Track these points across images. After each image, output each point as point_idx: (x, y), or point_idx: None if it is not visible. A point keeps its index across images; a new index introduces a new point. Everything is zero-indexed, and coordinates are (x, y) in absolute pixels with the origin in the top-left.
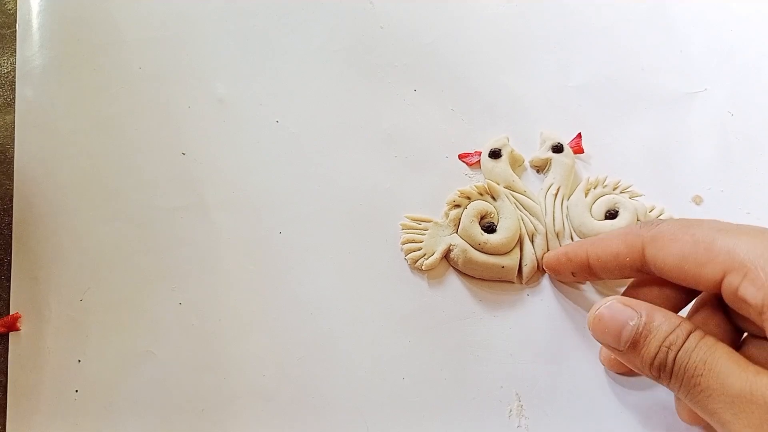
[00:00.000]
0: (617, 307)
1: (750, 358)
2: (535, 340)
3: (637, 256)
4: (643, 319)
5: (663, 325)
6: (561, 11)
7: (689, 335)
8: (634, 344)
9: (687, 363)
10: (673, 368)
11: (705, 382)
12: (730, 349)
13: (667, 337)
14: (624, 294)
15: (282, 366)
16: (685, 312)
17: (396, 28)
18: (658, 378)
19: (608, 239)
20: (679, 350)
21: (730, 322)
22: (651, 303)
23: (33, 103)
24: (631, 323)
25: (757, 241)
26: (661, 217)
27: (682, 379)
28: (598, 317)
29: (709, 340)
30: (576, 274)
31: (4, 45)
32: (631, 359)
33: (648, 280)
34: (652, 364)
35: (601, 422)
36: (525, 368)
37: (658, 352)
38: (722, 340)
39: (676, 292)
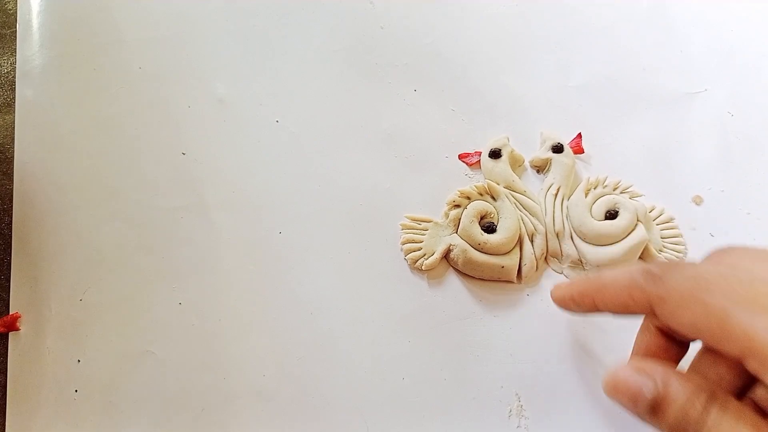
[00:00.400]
0: (630, 375)
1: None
2: (535, 340)
3: (646, 311)
4: (659, 387)
5: (680, 393)
6: (561, 11)
7: (710, 406)
8: (654, 413)
9: None
10: None
11: None
12: (757, 418)
13: (686, 407)
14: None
15: (282, 366)
16: None
17: (396, 28)
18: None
19: (614, 288)
20: (703, 428)
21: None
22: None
23: (33, 103)
24: (646, 392)
25: None
26: (661, 218)
27: None
28: (613, 385)
29: (733, 411)
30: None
31: (4, 45)
32: (654, 425)
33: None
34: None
35: (601, 422)
36: (525, 368)
37: (680, 423)
38: (732, 389)
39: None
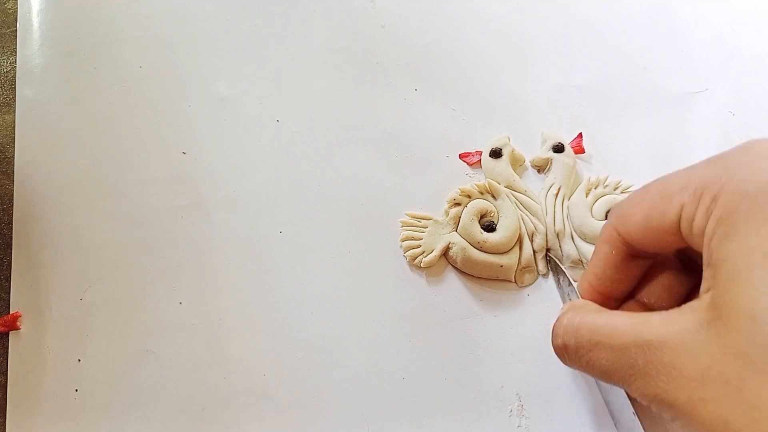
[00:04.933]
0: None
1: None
2: (535, 340)
3: (618, 242)
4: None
5: (561, 317)
6: (562, 11)
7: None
8: (552, 341)
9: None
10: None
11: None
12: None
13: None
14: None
15: (282, 366)
16: None
17: (397, 28)
18: (565, 361)
19: (594, 252)
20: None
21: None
22: (662, 297)
23: (33, 103)
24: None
25: (712, 167)
26: None
27: (575, 351)
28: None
29: (583, 308)
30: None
31: (4, 44)
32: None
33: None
34: (557, 351)
35: (601, 422)
36: (526, 368)
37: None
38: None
39: (677, 273)
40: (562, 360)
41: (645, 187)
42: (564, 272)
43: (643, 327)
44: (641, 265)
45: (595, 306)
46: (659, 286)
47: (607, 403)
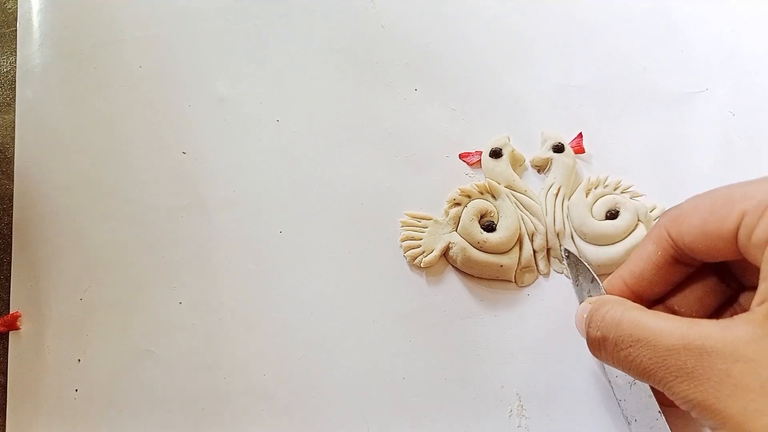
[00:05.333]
0: (581, 306)
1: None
2: (535, 340)
3: (666, 244)
4: (593, 307)
5: (599, 308)
6: (562, 11)
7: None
8: (586, 332)
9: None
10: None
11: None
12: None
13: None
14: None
15: (282, 366)
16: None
17: (397, 28)
18: (599, 354)
19: (635, 251)
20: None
21: (724, 287)
22: (693, 306)
23: (33, 103)
24: (585, 316)
25: None
26: None
27: (614, 345)
28: (575, 318)
29: (623, 303)
30: None
31: (4, 44)
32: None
33: (684, 282)
34: (593, 343)
35: (601, 422)
36: (526, 368)
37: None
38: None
39: (713, 285)
40: (594, 352)
41: (706, 193)
42: (587, 268)
43: (696, 331)
44: (682, 271)
45: (632, 303)
46: (693, 295)
47: (620, 401)
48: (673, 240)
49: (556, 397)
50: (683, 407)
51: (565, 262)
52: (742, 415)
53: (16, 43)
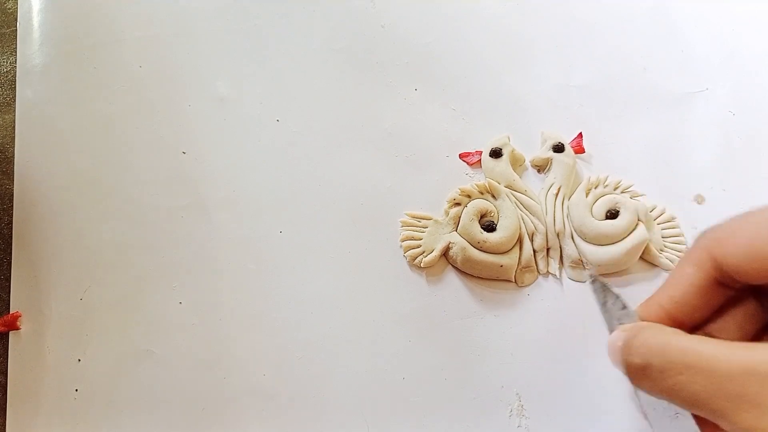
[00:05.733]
0: (614, 335)
1: None
2: (535, 340)
3: (708, 266)
4: (630, 333)
5: (639, 334)
6: (562, 10)
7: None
8: (626, 360)
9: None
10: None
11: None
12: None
13: (641, 342)
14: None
15: (282, 366)
16: None
17: (397, 27)
18: (641, 383)
19: (672, 274)
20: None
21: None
22: (733, 333)
23: (33, 103)
24: (620, 344)
25: None
26: (662, 217)
27: (660, 373)
28: (609, 347)
29: (665, 328)
30: None
31: (4, 44)
32: (628, 376)
33: (725, 304)
34: (634, 372)
35: (601, 422)
36: (526, 368)
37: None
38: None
39: (752, 310)
40: (635, 381)
41: (751, 213)
42: (616, 295)
43: (754, 355)
44: (724, 295)
45: (674, 329)
46: (732, 320)
47: (646, 415)
48: (716, 262)
49: (556, 397)
50: None
51: (591, 287)
52: None
53: (16, 43)
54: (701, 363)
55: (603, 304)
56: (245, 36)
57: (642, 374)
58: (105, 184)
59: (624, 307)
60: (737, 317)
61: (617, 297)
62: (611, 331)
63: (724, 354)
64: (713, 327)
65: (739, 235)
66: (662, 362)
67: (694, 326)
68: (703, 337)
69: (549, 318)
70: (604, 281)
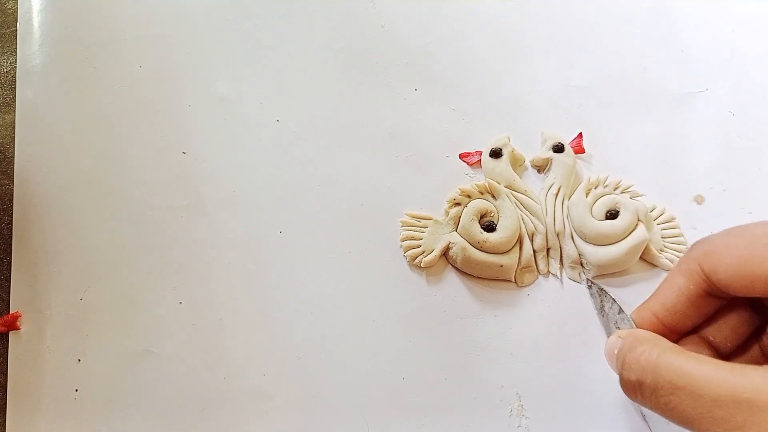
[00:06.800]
0: (611, 340)
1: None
2: (535, 340)
3: (699, 278)
4: (625, 346)
5: (633, 349)
6: (562, 11)
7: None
8: (620, 374)
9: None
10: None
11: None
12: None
13: (637, 354)
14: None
15: (282, 366)
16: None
17: (397, 28)
18: (635, 398)
19: (664, 282)
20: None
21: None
22: (728, 337)
23: (33, 103)
24: (616, 352)
25: None
26: (662, 217)
27: (652, 392)
28: (606, 352)
29: (658, 343)
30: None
31: (5, 44)
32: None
33: (714, 313)
34: (628, 386)
35: (601, 422)
36: (525, 368)
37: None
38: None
39: (746, 315)
40: (631, 396)
41: (739, 229)
42: (612, 299)
43: (742, 382)
44: (715, 304)
45: (668, 342)
46: (727, 326)
47: (645, 416)
48: (706, 275)
49: (556, 397)
50: None
51: (588, 291)
52: None
53: (16, 43)
54: (691, 386)
55: (600, 308)
56: (245, 36)
57: (636, 391)
58: (105, 184)
59: (620, 311)
60: (731, 322)
61: (614, 301)
62: (608, 334)
63: (715, 378)
64: (708, 330)
65: (729, 251)
66: (654, 381)
67: (687, 332)
68: (695, 356)
69: (549, 318)
70: (600, 286)
